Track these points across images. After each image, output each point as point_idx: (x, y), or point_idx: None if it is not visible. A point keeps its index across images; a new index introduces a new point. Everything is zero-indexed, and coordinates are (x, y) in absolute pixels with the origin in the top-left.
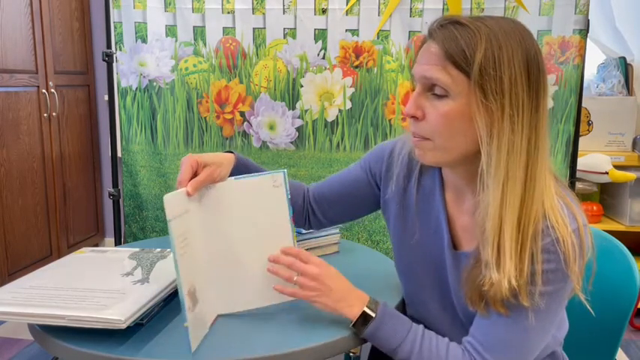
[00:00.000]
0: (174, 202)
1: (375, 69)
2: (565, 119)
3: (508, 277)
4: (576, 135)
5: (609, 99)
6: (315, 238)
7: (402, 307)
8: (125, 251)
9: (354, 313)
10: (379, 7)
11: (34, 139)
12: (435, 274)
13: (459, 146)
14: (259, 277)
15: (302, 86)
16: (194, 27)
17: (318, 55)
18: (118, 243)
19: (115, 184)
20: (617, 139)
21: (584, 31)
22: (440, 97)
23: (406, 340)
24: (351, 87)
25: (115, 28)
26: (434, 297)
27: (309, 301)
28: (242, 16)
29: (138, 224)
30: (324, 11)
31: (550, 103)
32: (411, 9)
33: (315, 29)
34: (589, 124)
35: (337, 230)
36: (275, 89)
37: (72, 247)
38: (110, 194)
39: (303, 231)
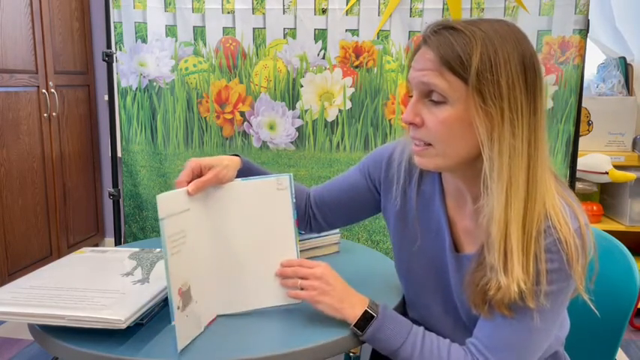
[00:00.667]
0: (167, 202)
1: (375, 69)
2: (565, 119)
3: (517, 281)
4: (576, 135)
5: (609, 99)
6: (315, 238)
7: (403, 308)
8: (125, 251)
9: (355, 314)
10: (379, 7)
11: (34, 139)
12: (436, 277)
13: (459, 151)
14: (261, 278)
15: (302, 86)
16: (194, 27)
17: (318, 55)
18: (118, 243)
19: (115, 184)
20: (617, 139)
21: (584, 31)
22: (438, 103)
23: (407, 341)
24: (351, 87)
25: (115, 28)
26: (436, 300)
27: (313, 302)
28: (242, 16)
29: (138, 224)
30: (324, 11)
31: (550, 103)
32: (411, 9)
33: (315, 29)
34: (589, 124)
35: (337, 230)
36: (275, 89)
37: (72, 247)
38: (110, 194)
39: (302, 231)
